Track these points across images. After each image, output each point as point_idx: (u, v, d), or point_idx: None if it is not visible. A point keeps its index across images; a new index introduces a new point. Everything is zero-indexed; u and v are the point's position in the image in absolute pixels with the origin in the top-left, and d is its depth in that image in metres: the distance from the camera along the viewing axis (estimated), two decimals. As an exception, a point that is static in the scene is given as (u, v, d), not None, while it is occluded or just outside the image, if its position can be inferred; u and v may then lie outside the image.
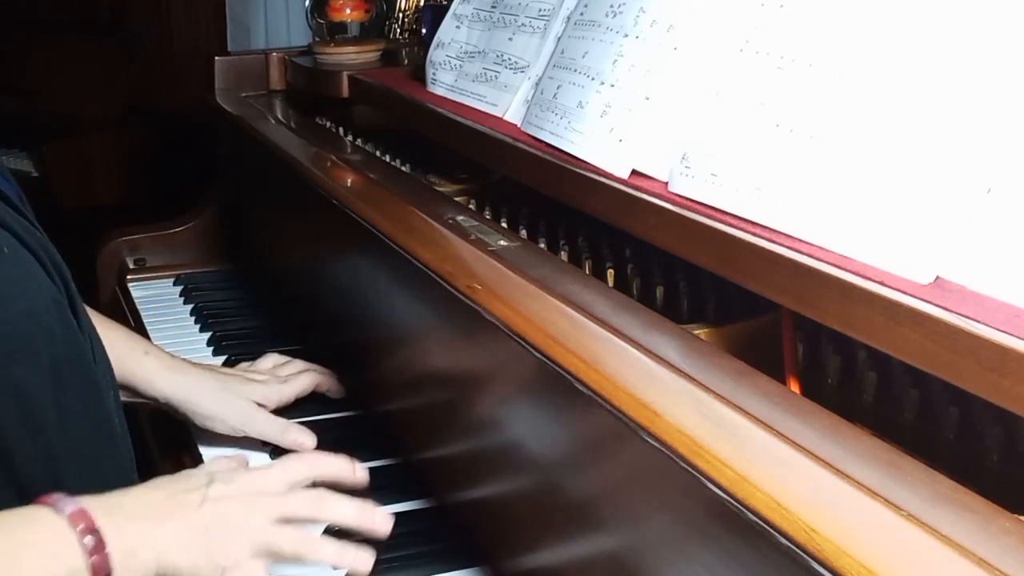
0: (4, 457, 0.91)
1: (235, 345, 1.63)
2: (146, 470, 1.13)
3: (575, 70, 1.19)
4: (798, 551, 0.60)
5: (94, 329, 1.06)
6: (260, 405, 1.33)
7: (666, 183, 1.02)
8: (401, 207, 1.27)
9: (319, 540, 1.01)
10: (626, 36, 1.12)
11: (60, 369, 0.96)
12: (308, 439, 1.30)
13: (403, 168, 1.58)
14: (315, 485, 1.03)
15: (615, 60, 1.12)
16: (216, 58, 2.11)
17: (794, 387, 0.91)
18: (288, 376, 1.41)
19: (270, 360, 1.46)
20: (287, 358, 1.46)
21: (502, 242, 1.12)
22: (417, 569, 1.09)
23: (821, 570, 0.59)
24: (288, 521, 0.98)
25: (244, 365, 1.47)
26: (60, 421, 0.97)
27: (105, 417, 1.04)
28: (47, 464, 0.95)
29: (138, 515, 0.92)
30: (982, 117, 0.76)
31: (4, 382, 0.91)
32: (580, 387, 0.82)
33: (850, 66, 0.87)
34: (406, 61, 1.96)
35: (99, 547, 0.87)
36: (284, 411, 1.41)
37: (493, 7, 1.48)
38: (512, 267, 1.04)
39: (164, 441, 1.41)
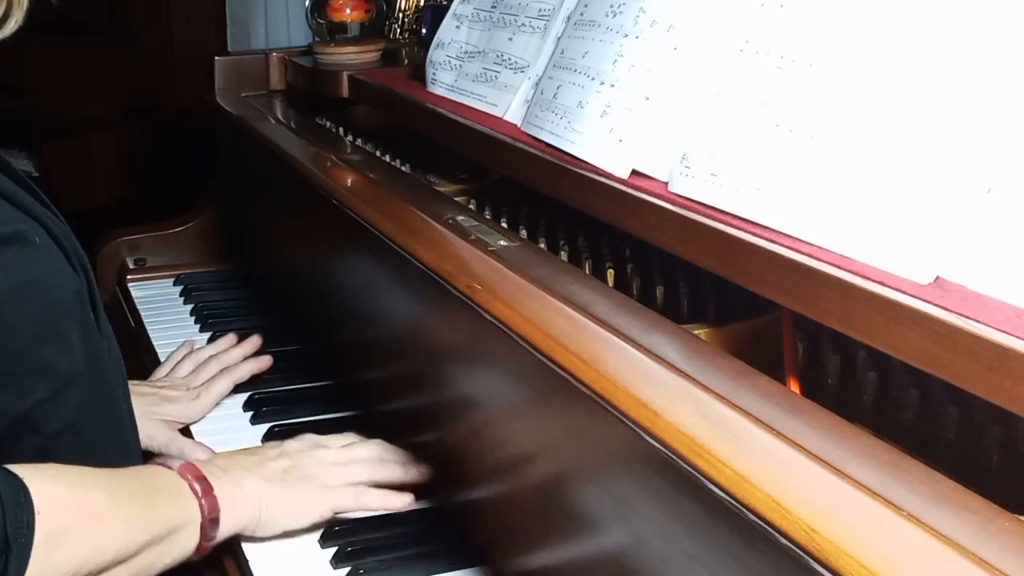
0: (37, 428, 0.97)
1: (235, 345, 1.63)
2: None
3: (575, 70, 1.19)
4: (798, 551, 0.60)
5: (108, 322, 1.09)
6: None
7: (666, 183, 1.02)
8: (401, 207, 1.27)
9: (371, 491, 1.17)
10: (626, 36, 1.12)
11: (82, 353, 1.01)
12: None
13: (403, 168, 1.58)
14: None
15: (615, 60, 1.12)
16: (216, 58, 2.10)
17: (794, 387, 0.91)
18: (201, 388, 1.42)
19: (185, 367, 1.48)
20: (203, 357, 1.49)
21: (502, 242, 1.12)
22: (417, 569, 1.09)
23: (821, 570, 0.59)
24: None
25: (161, 372, 1.49)
26: (82, 400, 1.01)
27: (114, 405, 1.08)
28: (75, 438, 1.00)
29: (230, 466, 1.10)
30: (982, 117, 0.76)
31: (36, 361, 0.96)
32: (580, 387, 0.82)
33: (850, 66, 0.87)
34: (406, 61, 1.95)
35: (207, 490, 1.03)
36: (288, 406, 1.41)
37: (493, 7, 1.48)
38: (512, 267, 1.04)
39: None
